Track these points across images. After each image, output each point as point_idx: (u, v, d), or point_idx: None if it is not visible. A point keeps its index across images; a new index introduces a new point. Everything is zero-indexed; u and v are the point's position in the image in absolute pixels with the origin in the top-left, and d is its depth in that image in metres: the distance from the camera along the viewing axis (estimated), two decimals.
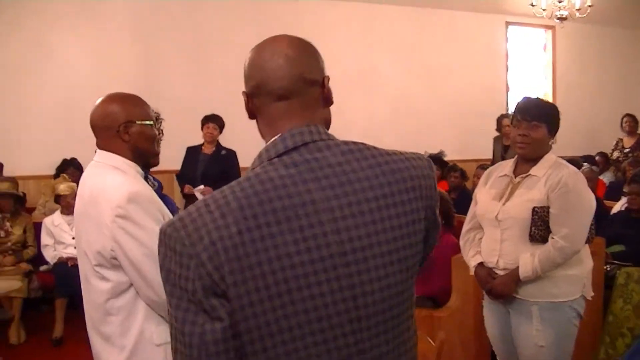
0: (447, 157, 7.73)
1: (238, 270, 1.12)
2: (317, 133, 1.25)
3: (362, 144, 1.28)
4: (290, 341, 1.15)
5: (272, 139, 1.25)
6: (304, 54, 1.30)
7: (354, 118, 8.15)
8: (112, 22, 7.37)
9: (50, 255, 5.62)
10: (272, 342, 1.14)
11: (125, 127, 2.18)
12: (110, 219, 2.03)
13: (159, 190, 3.24)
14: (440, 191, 4.78)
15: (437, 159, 7.46)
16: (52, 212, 5.96)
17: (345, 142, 1.26)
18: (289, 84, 1.26)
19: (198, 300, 1.13)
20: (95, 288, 2.13)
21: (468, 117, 8.92)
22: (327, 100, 1.33)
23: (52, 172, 6.73)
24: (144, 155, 2.26)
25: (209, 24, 7.79)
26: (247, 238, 1.12)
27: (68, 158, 6.73)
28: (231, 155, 6.75)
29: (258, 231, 1.13)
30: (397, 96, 8.46)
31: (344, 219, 1.18)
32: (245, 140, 7.26)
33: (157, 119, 3.00)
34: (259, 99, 1.29)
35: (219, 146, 6.79)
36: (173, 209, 3.66)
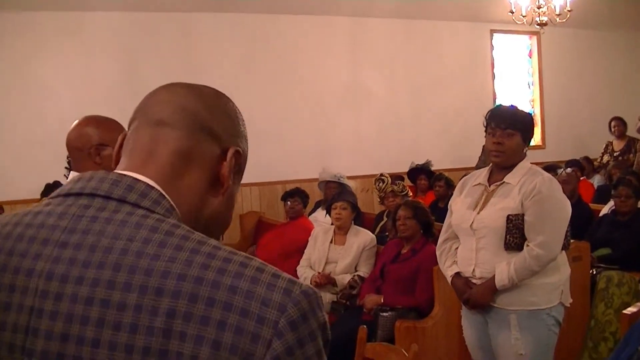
0: (436, 167, 7.68)
1: None
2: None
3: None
4: None
5: None
6: None
7: (341, 134, 8.08)
8: (95, 41, 7.32)
9: None
10: None
11: (97, 149, 2.18)
12: None
13: None
14: (417, 201, 4.79)
15: (424, 169, 7.45)
16: None
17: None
18: None
19: None
20: None
21: (456, 126, 8.90)
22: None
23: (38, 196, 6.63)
24: None
25: (195, 43, 7.78)
26: None
27: (51, 182, 6.51)
28: None
29: None
30: (384, 109, 8.43)
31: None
32: None
33: None
34: None
35: None
36: None
